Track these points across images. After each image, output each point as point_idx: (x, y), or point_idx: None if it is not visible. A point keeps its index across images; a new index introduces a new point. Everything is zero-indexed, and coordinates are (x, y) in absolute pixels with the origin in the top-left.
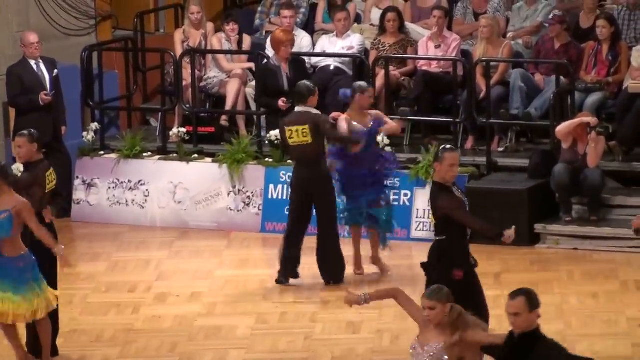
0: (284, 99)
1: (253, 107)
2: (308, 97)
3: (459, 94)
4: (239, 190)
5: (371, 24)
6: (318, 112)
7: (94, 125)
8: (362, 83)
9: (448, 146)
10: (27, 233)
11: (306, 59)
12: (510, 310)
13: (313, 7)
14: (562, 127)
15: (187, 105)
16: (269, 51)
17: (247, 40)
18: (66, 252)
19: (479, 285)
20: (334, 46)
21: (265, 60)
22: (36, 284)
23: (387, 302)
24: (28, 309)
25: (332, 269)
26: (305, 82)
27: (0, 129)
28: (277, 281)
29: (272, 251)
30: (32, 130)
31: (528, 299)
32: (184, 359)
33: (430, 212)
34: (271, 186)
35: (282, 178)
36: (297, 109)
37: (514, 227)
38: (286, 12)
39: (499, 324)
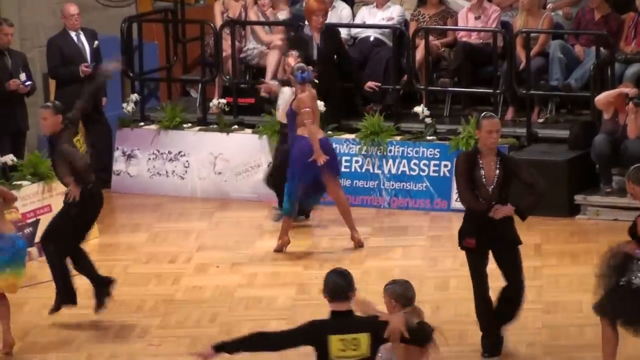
0: (310, 67)
1: None
2: None
3: (499, 65)
4: None
5: None
6: None
7: (134, 97)
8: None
9: (487, 114)
10: None
11: (346, 30)
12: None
13: None
14: (601, 97)
15: (227, 77)
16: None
17: (284, 12)
18: (107, 223)
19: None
20: (374, 17)
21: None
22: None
23: (427, 272)
24: None
25: None
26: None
27: (41, 100)
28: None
29: (311, 222)
30: (56, 102)
31: None
32: (224, 329)
33: None
34: None
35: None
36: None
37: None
38: None
39: (539, 295)
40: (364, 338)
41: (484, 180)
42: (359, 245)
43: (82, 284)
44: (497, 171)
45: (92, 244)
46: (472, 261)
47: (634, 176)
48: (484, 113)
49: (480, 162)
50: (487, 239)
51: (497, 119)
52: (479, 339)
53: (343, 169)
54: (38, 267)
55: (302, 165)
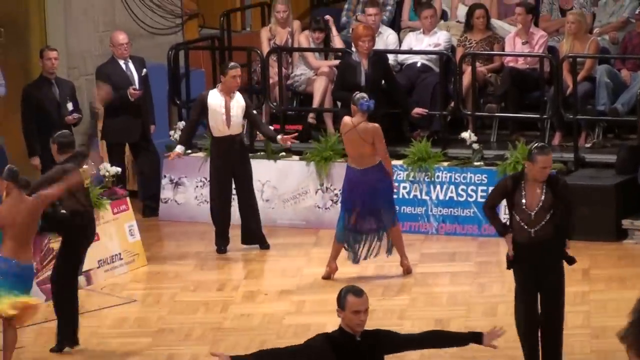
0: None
1: None
2: None
3: (545, 90)
4: (326, 188)
5: (457, 21)
6: None
7: (181, 124)
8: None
9: (541, 145)
10: None
11: (393, 56)
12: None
13: (399, 5)
14: None
15: (274, 103)
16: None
17: (336, 39)
18: (154, 250)
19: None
20: (421, 43)
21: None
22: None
23: (474, 298)
24: None
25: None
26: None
27: (88, 130)
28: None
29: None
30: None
31: None
32: None
33: None
34: None
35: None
36: None
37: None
38: (371, 10)
39: (587, 320)
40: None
41: (524, 206)
42: (407, 272)
43: (123, 311)
44: (543, 196)
45: (141, 272)
46: (517, 277)
47: None
48: (538, 145)
49: (524, 187)
50: (531, 256)
51: (551, 154)
52: None
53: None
54: (85, 296)
55: (347, 194)
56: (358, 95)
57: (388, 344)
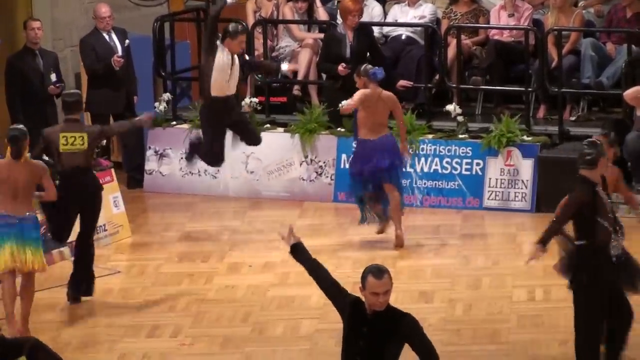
0: (343, 64)
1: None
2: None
3: (530, 63)
4: (311, 160)
5: None
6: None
7: (166, 96)
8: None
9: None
10: None
11: (378, 28)
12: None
13: None
14: (630, 92)
15: (259, 76)
16: (340, 20)
17: (321, 11)
18: (139, 222)
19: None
20: (406, 15)
21: (333, 28)
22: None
23: (459, 271)
24: None
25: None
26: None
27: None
28: None
29: (344, 220)
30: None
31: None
32: (256, 328)
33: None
34: (343, 156)
35: (355, 148)
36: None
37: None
38: None
39: None
40: None
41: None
42: (400, 244)
43: (107, 282)
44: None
45: (125, 243)
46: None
47: None
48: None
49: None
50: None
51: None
52: (511, 338)
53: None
54: (70, 267)
55: (367, 164)
56: (367, 66)
57: (403, 337)
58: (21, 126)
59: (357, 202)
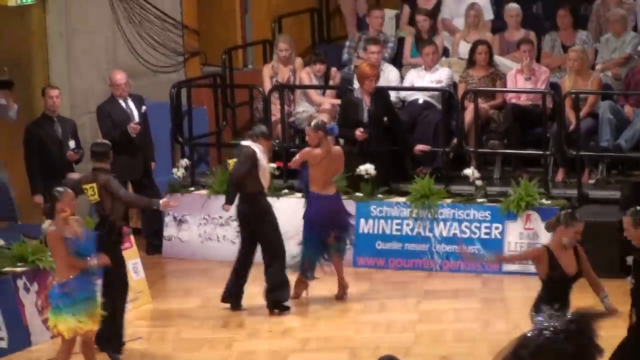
0: (360, 129)
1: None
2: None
3: (548, 127)
4: None
5: (459, 58)
6: None
7: (184, 162)
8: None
9: (577, 214)
10: None
11: (395, 92)
12: None
13: (400, 41)
14: None
15: (277, 141)
16: (357, 85)
17: (336, 76)
18: (158, 288)
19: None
20: (423, 80)
21: (350, 92)
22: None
23: (479, 335)
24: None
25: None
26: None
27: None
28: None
29: (364, 285)
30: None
31: None
32: None
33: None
34: (362, 220)
35: (373, 212)
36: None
37: None
38: (373, 48)
39: None
40: None
41: None
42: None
43: (129, 349)
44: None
45: (145, 309)
46: None
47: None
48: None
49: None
50: None
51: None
52: None
53: (394, 232)
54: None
55: (323, 220)
56: (319, 121)
57: None
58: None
59: (313, 259)
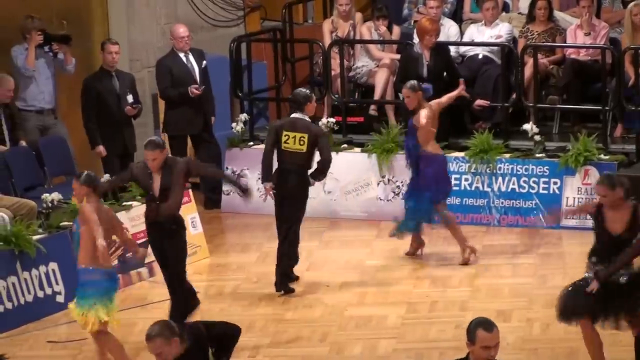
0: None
1: None
2: (304, 104)
3: (607, 82)
4: (388, 180)
5: (519, 13)
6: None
7: (243, 116)
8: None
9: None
10: None
11: (454, 47)
12: None
13: None
14: None
15: (336, 96)
16: (416, 40)
17: (396, 31)
18: (217, 243)
19: None
20: (482, 35)
21: (410, 48)
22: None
23: (536, 290)
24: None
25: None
26: (302, 89)
27: (150, 121)
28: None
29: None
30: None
31: None
32: (334, 348)
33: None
34: None
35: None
36: (293, 115)
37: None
38: (432, 2)
39: None
40: None
41: None
42: (464, 262)
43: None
44: None
45: (203, 264)
46: None
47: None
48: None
49: None
50: None
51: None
52: (589, 357)
53: (453, 187)
54: (149, 288)
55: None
56: (414, 82)
57: None
58: None
59: (418, 223)
